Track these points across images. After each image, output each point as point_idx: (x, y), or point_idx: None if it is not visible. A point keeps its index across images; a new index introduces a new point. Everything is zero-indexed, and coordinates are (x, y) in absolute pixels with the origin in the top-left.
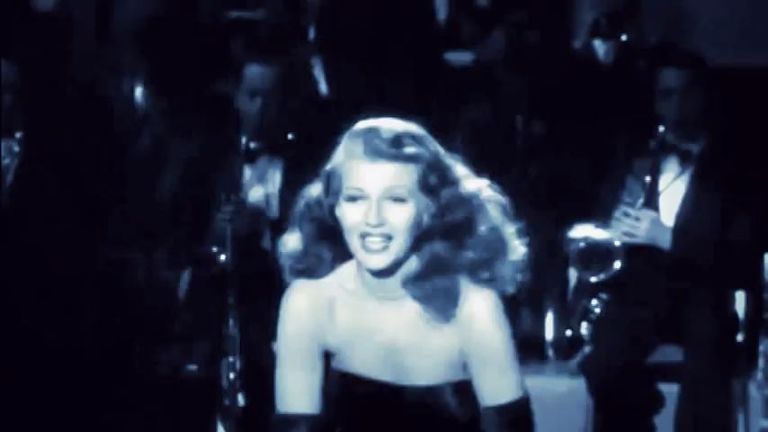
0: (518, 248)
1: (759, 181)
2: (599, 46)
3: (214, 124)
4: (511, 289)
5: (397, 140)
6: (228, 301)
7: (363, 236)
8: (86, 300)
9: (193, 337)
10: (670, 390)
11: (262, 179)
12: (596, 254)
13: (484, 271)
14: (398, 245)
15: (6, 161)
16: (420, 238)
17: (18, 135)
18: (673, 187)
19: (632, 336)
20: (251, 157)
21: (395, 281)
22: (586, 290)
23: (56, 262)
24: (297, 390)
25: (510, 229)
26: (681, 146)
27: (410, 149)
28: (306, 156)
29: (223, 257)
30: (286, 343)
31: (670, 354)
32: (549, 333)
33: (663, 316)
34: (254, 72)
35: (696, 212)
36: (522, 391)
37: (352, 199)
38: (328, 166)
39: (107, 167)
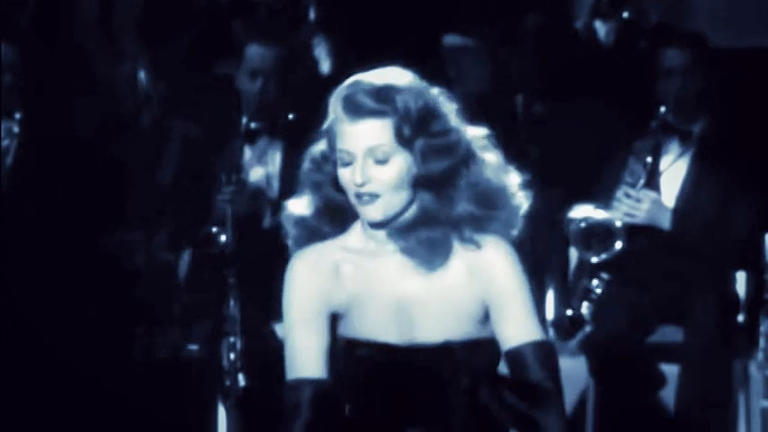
0: (517, 202)
1: (759, 162)
2: (600, 26)
3: (215, 105)
4: (499, 241)
5: (374, 94)
6: (229, 282)
7: (357, 195)
8: (86, 281)
9: (194, 318)
10: (670, 370)
11: (262, 160)
12: (597, 234)
13: (468, 226)
14: (387, 201)
15: (6, 142)
16: (412, 188)
17: (17, 116)
18: (673, 168)
19: (633, 316)
20: (251, 138)
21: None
22: (587, 270)
23: (55, 244)
24: (305, 355)
25: (506, 183)
26: (682, 126)
27: (385, 103)
28: (306, 136)
29: (223, 238)
30: (293, 309)
31: (670, 334)
32: (550, 313)
33: (663, 296)
34: (255, 53)
35: (697, 193)
36: (546, 338)
37: (342, 160)
38: (325, 125)
39: (107, 149)
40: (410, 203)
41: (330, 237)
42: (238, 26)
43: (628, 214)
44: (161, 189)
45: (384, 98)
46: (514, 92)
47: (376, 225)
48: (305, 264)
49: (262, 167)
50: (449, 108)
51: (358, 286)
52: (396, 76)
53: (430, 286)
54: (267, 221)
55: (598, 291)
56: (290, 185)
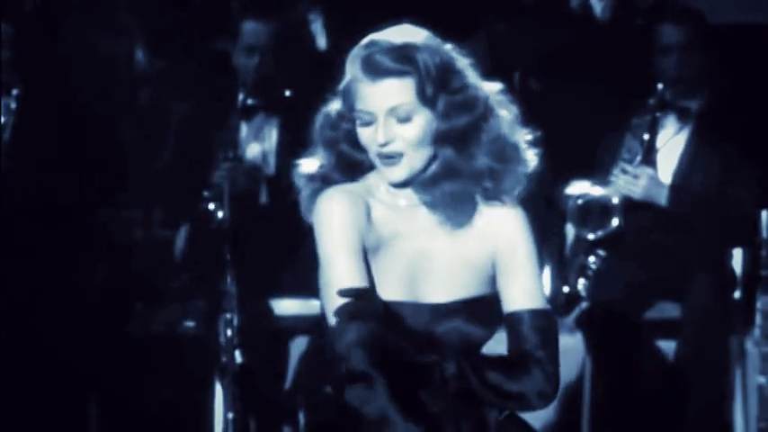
0: (527, 158)
1: (756, 138)
2: (596, 2)
3: (212, 82)
4: (516, 197)
5: (394, 54)
6: (225, 258)
7: (379, 156)
8: (84, 258)
9: (191, 295)
10: (667, 346)
11: (258, 136)
12: (594, 211)
13: (488, 180)
14: (411, 159)
15: (4, 119)
16: (434, 145)
17: (15, 92)
18: (671, 144)
19: (629, 292)
20: (248, 115)
21: (412, 190)
22: (584, 247)
23: (53, 220)
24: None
25: (520, 138)
26: (679, 103)
27: (405, 63)
28: (303, 113)
29: (220, 214)
30: (336, 239)
31: (667, 310)
32: (547, 289)
33: (660, 273)
34: (251, 29)
35: (694, 170)
36: (548, 306)
37: (362, 120)
38: (342, 85)
39: (104, 126)
40: (432, 160)
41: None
42: (235, 2)
43: (625, 191)
44: (158, 166)
45: (404, 57)
46: (511, 69)
47: (398, 184)
48: (342, 196)
49: (258, 144)
50: (464, 63)
51: (384, 235)
52: (411, 33)
53: (450, 245)
54: (263, 198)
55: (594, 267)
56: (286, 162)
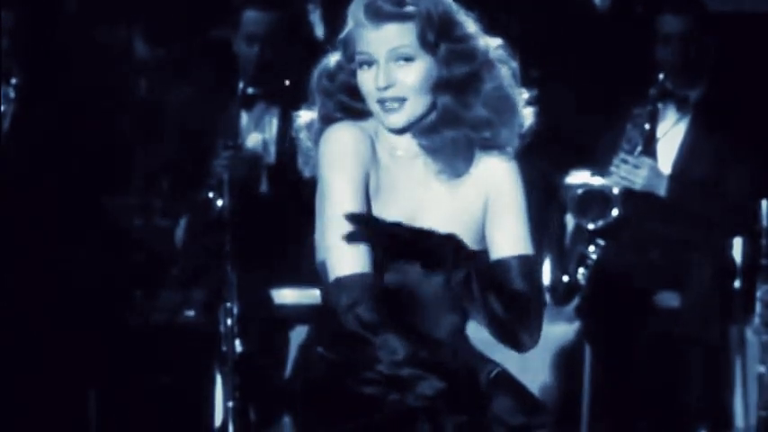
0: (523, 112)
1: (756, 128)
2: None
3: (212, 71)
4: (510, 151)
5: (397, 0)
6: (225, 248)
7: (380, 101)
8: (84, 246)
9: (191, 284)
10: (667, 335)
11: (259, 125)
12: (594, 201)
13: (486, 130)
14: (413, 104)
15: (3, 108)
16: (433, 93)
17: (14, 81)
18: (671, 134)
19: (629, 282)
20: (248, 103)
21: (411, 137)
22: (584, 236)
23: (54, 209)
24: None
25: (517, 92)
26: (679, 92)
27: (408, 7)
28: (303, 102)
29: (220, 203)
30: (339, 168)
31: (667, 300)
32: (547, 279)
33: (660, 262)
34: (253, 17)
35: (694, 159)
36: (534, 252)
37: (362, 64)
38: (342, 35)
39: (103, 114)
40: (431, 108)
41: None
42: None
43: (625, 180)
44: (157, 155)
45: (406, 2)
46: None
47: (397, 131)
48: (351, 129)
49: (258, 133)
50: (465, 16)
51: (382, 182)
52: None
53: (446, 197)
54: (264, 187)
55: (594, 257)
56: (286, 151)
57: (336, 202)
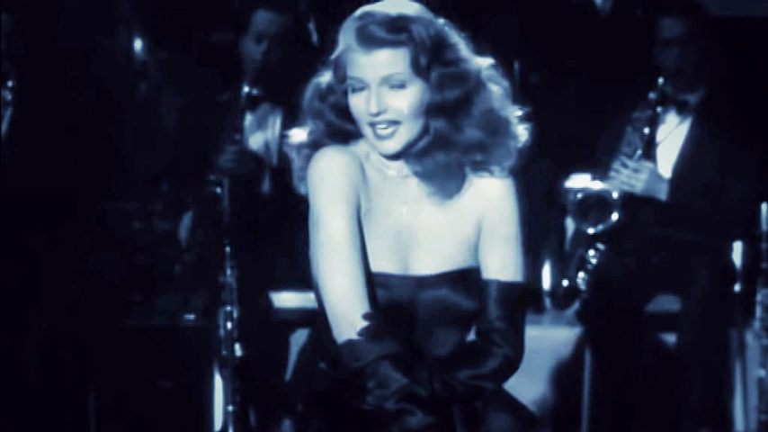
0: (518, 132)
1: (756, 131)
2: None
3: (214, 72)
4: (506, 169)
5: (389, 25)
6: (226, 251)
7: (371, 125)
8: (83, 249)
9: (191, 287)
10: (667, 339)
11: (262, 126)
12: (594, 205)
13: (478, 152)
14: (406, 129)
15: (0, 111)
16: (426, 117)
17: (11, 84)
18: (671, 138)
19: (629, 286)
20: (252, 104)
21: (404, 160)
22: (584, 240)
23: (52, 211)
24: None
25: (510, 112)
26: (679, 96)
27: (400, 34)
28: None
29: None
30: (329, 194)
31: (667, 303)
32: (547, 283)
33: (660, 266)
34: (263, 17)
35: (694, 163)
36: (524, 279)
37: (354, 89)
38: (333, 56)
39: (103, 117)
40: (424, 132)
41: None
42: None
43: (625, 185)
44: (159, 157)
45: (399, 28)
46: (511, 62)
47: (391, 156)
48: (339, 154)
49: (261, 133)
50: (457, 38)
51: (374, 204)
52: (405, 5)
53: (439, 217)
54: (266, 188)
55: (594, 261)
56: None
57: (327, 229)
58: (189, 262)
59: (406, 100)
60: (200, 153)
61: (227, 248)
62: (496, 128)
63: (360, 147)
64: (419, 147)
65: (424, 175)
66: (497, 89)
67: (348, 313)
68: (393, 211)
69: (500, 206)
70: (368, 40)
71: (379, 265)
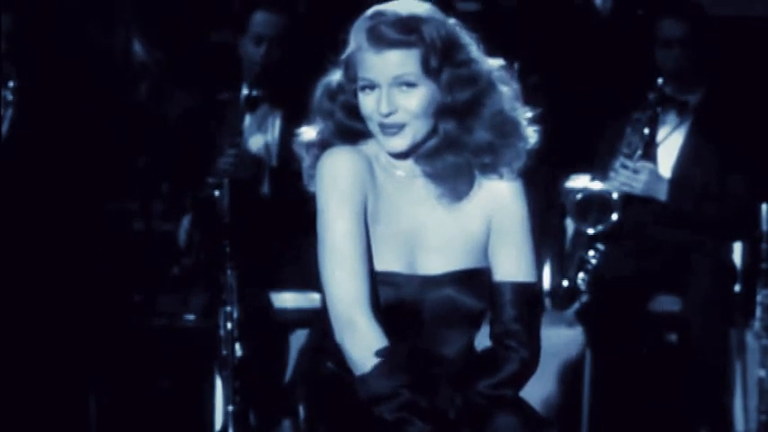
0: (527, 134)
1: (756, 132)
2: None
3: (213, 74)
4: (515, 170)
5: (400, 26)
6: (226, 251)
7: (381, 125)
8: (84, 249)
9: (191, 287)
10: (667, 340)
11: (261, 128)
12: (594, 205)
13: (488, 154)
14: (414, 129)
15: (1, 111)
16: (435, 117)
17: (12, 84)
18: (670, 139)
19: (629, 286)
20: (251, 106)
21: (413, 161)
22: (584, 241)
23: (54, 212)
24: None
25: (520, 112)
26: (679, 97)
27: (411, 34)
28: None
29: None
30: (336, 194)
31: (667, 304)
32: (547, 283)
33: (660, 267)
34: (262, 18)
35: (693, 164)
36: (536, 280)
37: (364, 88)
38: (344, 55)
39: (103, 118)
40: (433, 132)
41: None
42: None
43: (625, 185)
44: (158, 158)
45: (410, 29)
46: (510, 62)
47: (398, 155)
48: (348, 154)
49: (261, 135)
50: (467, 39)
51: (382, 204)
52: (416, 5)
53: (447, 218)
54: (265, 189)
55: (594, 261)
56: (288, 154)
57: (334, 231)
58: (187, 264)
59: (416, 100)
60: (199, 155)
61: (227, 249)
62: (506, 130)
63: (369, 147)
64: (428, 147)
65: (432, 176)
66: (507, 90)
67: (347, 313)
68: (401, 211)
69: (510, 208)
70: (379, 40)
71: (387, 264)
